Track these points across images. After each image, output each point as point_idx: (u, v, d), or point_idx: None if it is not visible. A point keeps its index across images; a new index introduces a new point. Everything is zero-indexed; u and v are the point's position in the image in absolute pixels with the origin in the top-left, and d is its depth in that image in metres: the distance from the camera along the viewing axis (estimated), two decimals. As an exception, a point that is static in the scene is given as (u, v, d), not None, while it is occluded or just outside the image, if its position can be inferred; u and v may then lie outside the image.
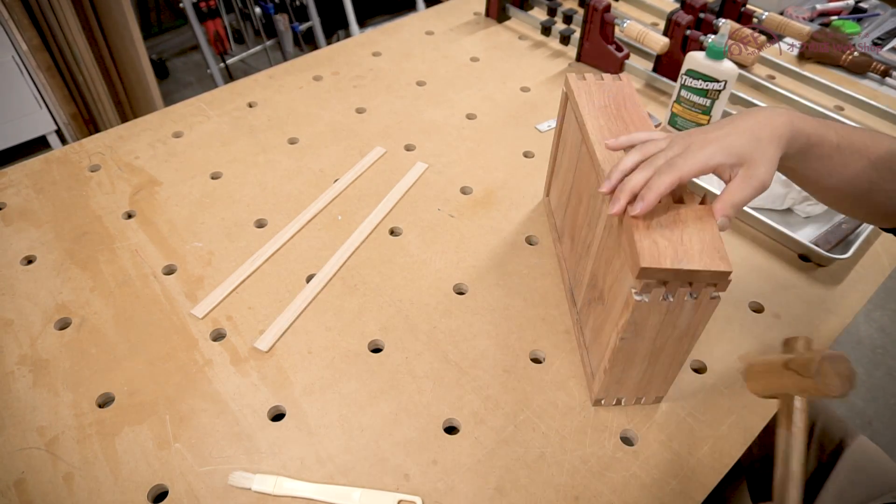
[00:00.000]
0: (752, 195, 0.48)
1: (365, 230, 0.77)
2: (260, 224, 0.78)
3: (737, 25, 1.09)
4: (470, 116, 0.96)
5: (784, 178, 0.58)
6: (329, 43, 2.46)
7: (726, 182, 0.50)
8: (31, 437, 0.57)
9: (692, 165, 0.48)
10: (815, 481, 0.72)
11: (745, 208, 0.79)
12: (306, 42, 2.43)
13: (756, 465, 0.78)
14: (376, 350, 0.65)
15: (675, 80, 1.00)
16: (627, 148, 0.55)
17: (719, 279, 0.47)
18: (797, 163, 0.52)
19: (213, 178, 0.84)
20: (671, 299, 0.48)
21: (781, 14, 1.17)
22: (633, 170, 0.51)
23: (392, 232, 0.78)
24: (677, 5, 1.11)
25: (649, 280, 0.47)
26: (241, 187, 0.83)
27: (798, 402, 0.46)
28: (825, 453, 0.75)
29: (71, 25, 1.76)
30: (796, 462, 0.44)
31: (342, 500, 0.53)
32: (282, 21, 2.28)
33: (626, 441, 0.59)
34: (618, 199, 0.50)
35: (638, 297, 0.48)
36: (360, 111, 0.96)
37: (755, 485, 0.77)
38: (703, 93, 0.87)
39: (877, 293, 1.40)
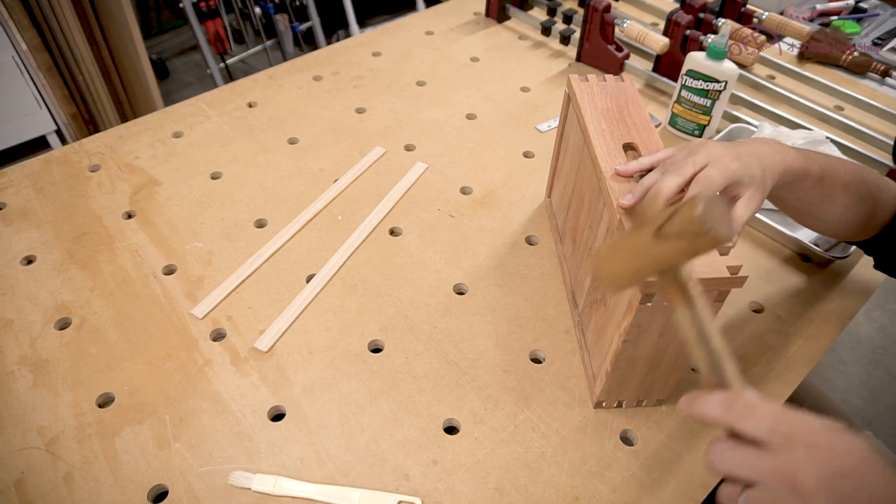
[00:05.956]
0: (753, 214, 0.53)
1: (365, 230, 0.77)
2: (260, 224, 0.78)
3: (737, 25, 1.09)
4: (470, 116, 0.96)
5: None
6: (329, 43, 2.46)
7: (728, 197, 0.53)
8: (31, 437, 0.57)
9: (724, 174, 0.51)
10: None
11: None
12: (306, 42, 2.43)
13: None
14: (376, 350, 0.65)
15: (675, 80, 1.00)
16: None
17: (734, 285, 0.48)
18: (784, 193, 0.57)
19: (213, 178, 0.84)
20: None
21: (781, 14, 1.17)
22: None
23: (392, 232, 0.78)
24: (677, 5, 1.11)
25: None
26: (241, 187, 0.83)
27: (685, 272, 0.38)
28: None
29: (71, 25, 1.76)
30: (716, 338, 0.37)
31: (342, 501, 0.53)
32: (282, 21, 2.28)
33: (626, 441, 0.59)
34: (660, 191, 0.51)
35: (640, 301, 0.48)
36: (360, 111, 0.96)
37: None
38: (704, 93, 0.87)
39: (877, 293, 1.39)
